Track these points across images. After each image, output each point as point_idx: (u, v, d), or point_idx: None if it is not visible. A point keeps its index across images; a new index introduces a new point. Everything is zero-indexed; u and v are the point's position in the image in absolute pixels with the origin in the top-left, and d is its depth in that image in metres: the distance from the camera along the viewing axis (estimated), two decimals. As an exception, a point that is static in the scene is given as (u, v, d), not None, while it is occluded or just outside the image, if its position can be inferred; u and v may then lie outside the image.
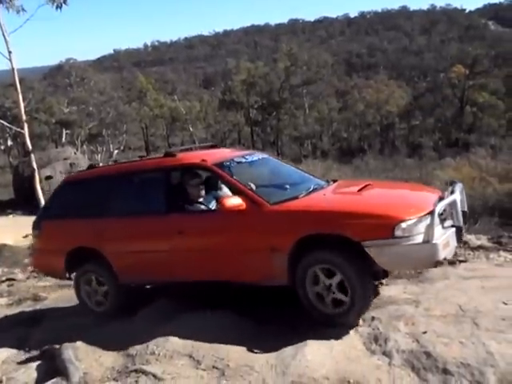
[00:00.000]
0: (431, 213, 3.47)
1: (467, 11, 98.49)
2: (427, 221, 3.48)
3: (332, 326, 3.63)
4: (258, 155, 5.01)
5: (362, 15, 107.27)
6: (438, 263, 3.56)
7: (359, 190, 4.16)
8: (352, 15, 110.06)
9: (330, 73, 43.64)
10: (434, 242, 3.46)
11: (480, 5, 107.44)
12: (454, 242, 3.72)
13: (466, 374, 2.78)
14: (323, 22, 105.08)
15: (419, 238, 3.48)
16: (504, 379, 2.73)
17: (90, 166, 5.24)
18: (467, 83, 33.84)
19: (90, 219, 4.72)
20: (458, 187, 3.98)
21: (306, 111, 40.12)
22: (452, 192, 3.86)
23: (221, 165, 4.39)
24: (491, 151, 24.85)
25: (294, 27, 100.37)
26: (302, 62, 37.98)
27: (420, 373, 2.90)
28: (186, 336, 3.61)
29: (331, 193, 4.40)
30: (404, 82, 43.66)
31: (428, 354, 2.98)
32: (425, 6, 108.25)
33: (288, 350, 3.27)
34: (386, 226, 3.49)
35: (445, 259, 3.57)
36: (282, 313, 3.96)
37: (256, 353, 3.32)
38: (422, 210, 3.60)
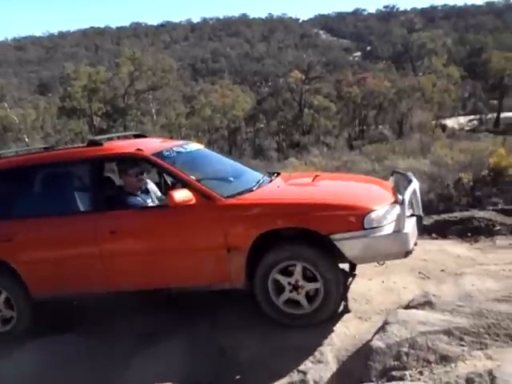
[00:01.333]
0: (402, 202, 3.37)
1: (301, 21, 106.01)
2: (396, 210, 3.38)
3: (300, 326, 3.49)
4: (193, 145, 4.53)
5: (205, 21, 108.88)
6: (408, 253, 3.43)
7: (313, 182, 3.98)
8: (195, 20, 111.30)
9: (176, 78, 43.27)
10: (404, 231, 3.35)
11: (312, 15, 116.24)
12: (415, 232, 3.62)
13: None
14: (166, 27, 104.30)
15: (389, 229, 3.37)
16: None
17: None
18: (304, 87, 36.11)
19: None
20: (413, 176, 3.90)
21: (154, 117, 39.26)
22: (410, 181, 3.74)
23: (160, 154, 3.89)
24: (326, 150, 27.11)
25: (137, 31, 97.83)
26: (146, 66, 37.00)
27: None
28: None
29: (286, 185, 4.14)
30: (248, 87, 45.16)
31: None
32: (263, 15, 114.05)
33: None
34: (354, 218, 3.34)
35: (412, 250, 3.46)
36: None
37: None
38: (387, 199, 3.53)
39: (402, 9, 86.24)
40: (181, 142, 4.56)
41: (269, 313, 3.57)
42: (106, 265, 3.74)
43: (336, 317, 3.66)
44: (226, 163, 4.62)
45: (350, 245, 3.36)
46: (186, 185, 3.62)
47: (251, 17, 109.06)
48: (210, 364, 3.49)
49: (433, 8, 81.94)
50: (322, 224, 3.37)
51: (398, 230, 3.36)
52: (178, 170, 3.76)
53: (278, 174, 4.39)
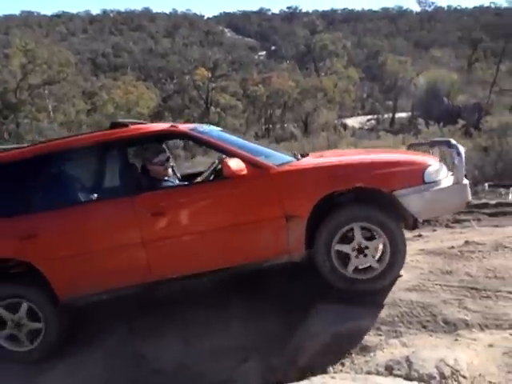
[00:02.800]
0: (459, 153, 3.44)
1: (206, 18, 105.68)
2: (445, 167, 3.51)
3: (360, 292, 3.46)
4: (213, 127, 4.37)
5: (105, 13, 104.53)
6: (468, 204, 3.60)
7: (353, 152, 4.15)
8: (94, 12, 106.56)
9: (75, 72, 41.01)
10: (463, 182, 3.45)
11: (217, 12, 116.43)
12: None
13: None
14: (62, 17, 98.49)
15: (448, 181, 3.46)
16: None
17: None
18: (210, 85, 35.97)
19: (9, 218, 3.54)
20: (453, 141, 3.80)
21: (51, 114, 36.90)
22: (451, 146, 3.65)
23: (196, 130, 3.78)
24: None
25: (28, 20, 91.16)
26: (41, 59, 34.58)
27: None
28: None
29: (328, 155, 4.08)
30: (152, 84, 44.10)
31: None
32: (167, 10, 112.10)
33: None
34: (415, 172, 3.38)
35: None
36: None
37: None
38: (433, 158, 3.67)
39: (304, 10, 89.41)
40: (195, 124, 4.34)
41: (336, 283, 3.51)
42: (149, 251, 3.44)
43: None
44: (251, 142, 4.45)
45: (413, 200, 3.36)
46: (233, 156, 3.44)
47: (154, 11, 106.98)
48: (129, 371, 3.33)
49: (333, 11, 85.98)
50: (384, 181, 3.37)
51: (458, 182, 3.45)
52: (219, 141, 3.65)
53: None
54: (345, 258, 3.50)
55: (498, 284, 3.60)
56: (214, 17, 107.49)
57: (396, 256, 3.46)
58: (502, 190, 8.60)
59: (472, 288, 3.60)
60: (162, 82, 46.75)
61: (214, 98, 36.05)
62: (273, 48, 73.34)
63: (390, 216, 3.45)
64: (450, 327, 3.29)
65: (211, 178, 3.85)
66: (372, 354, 3.11)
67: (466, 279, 3.72)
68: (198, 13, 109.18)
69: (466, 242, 4.40)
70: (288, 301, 3.84)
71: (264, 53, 72.61)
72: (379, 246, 3.50)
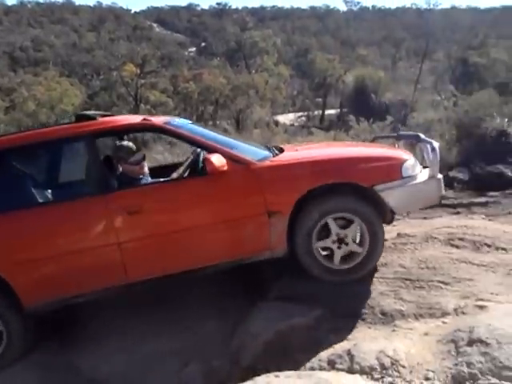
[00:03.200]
0: (433, 149, 3.57)
1: (133, 12, 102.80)
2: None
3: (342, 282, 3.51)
4: (182, 119, 4.23)
5: (22, 4, 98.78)
6: (441, 198, 3.71)
7: (329, 146, 4.22)
8: (9, 2, 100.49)
9: (-10, 67, 38.46)
10: (438, 176, 3.58)
11: (144, 7, 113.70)
12: None
13: None
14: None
15: (424, 176, 3.58)
16: None
17: None
18: (139, 82, 35.05)
19: None
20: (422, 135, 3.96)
21: (-35, 111, 34.38)
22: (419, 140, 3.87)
23: (170, 124, 3.66)
24: (170, 146, 26.82)
25: None
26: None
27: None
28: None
29: (305, 149, 4.16)
30: (77, 80, 42.33)
31: None
32: (91, 2, 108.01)
33: None
34: (393, 167, 3.47)
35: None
36: None
37: None
38: (406, 153, 3.73)
39: (234, 7, 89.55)
40: (166, 117, 4.18)
41: (320, 275, 3.55)
42: (125, 252, 3.31)
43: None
44: (225, 136, 4.31)
45: (392, 194, 3.43)
46: (213, 151, 3.37)
47: (77, 3, 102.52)
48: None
49: (262, 8, 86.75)
50: (365, 176, 3.41)
51: (434, 176, 3.58)
52: (197, 136, 3.55)
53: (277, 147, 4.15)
54: (328, 252, 3.57)
55: (430, 274, 3.75)
56: (142, 11, 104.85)
57: (376, 236, 3.54)
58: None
59: (406, 279, 3.73)
60: (87, 78, 44.99)
61: (143, 94, 35.13)
62: (203, 44, 72.79)
63: (362, 201, 3.49)
64: (388, 318, 3.38)
65: (186, 173, 3.76)
66: (314, 350, 3.13)
67: (400, 271, 3.85)
68: (125, 6, 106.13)
69: (399, 235, 4.55)
70: (228, 301, 3.79)
71: (194, 49, 71.87)
72: (357, 231, 3.57)
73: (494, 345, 2.71)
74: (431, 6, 38.68)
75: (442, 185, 3.67)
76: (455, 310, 3.38)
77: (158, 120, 3.76)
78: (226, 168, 3.29)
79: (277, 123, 31.85)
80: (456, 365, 2.72)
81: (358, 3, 61.75)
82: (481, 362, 2.64)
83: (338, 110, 36.22)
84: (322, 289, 3.63)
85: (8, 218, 3.35)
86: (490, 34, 40.46)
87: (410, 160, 3.60)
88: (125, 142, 3.88)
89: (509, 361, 2.58)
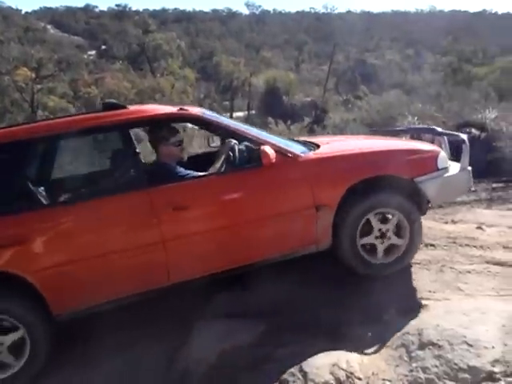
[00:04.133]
0: (464, 141, 3.67)
1: (24, 12, 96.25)
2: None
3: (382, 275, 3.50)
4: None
5: None
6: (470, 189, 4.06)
7: (362, 139, 4.28)
8: None
9: None
10: (468, 168, 3.70)
11: (36, 7, 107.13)
12: None
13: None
14: None
15: (455, 168, 3.70)
16: None
17: None
18: (35, 87, 32.88)
19: None
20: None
21: None
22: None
23: (205, 114, 3.52)
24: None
25: None
26: None
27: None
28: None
29: (344, 141, 4.26)
30: (-37, 85, 38.70)
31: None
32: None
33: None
34: (430, 160, 3.56)
35: None
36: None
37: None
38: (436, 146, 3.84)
39: (134, 9, 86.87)
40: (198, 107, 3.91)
41: (363, 271, 3.54)
42: (169, 251, 3.09)
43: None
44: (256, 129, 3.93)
45: (429, 186, 3.51)
46: (260, 143, 3.26)
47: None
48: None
49: (164, 11, 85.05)
50: (406, 169, 3.49)
51: (465, 168, 3.68)
52: (241, 128, 3.43)
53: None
54: (371, 248, 3.56)
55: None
56: (34, 11, 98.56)
57: (415, 228, 3.57)
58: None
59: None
60: (-25, 84, 41.32)
61: (40, 100, 32.98)
62: (103, 47, 69.93)
63: (402, 194, 3.51)
64: (334, 327, 3.27)
65: (224, 166, 3.41)
66: (263, 370, 2.93)
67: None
68: (14, 6, 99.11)
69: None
70: (165, 322, 3.47)
71: (94, 52, 68.77)
72: (395, 223, 3.56)
73: (447, 347, 2.68)
74: (328, 10, 40.43)
75: (471, 177, 3.80)
76: (397, 310, 3.35)
77: (195, 110, 3.55)
78: (274, 160, 3.20)
79: (184, 128, 31.47)
80: (411, 371, 2.66)
81: (260, 7, 62.91)
82: (436, 366, 2.60)
83: (246, 113, 36.53)
84: (266, 301, 3.45)
85: (38, 216, 3.02)
86: (383, 36, 43.06)
87: (442, 152, 3.71)
88: (169, 125, 3.59)
89: (463, 362, 2.56)
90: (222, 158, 3.48)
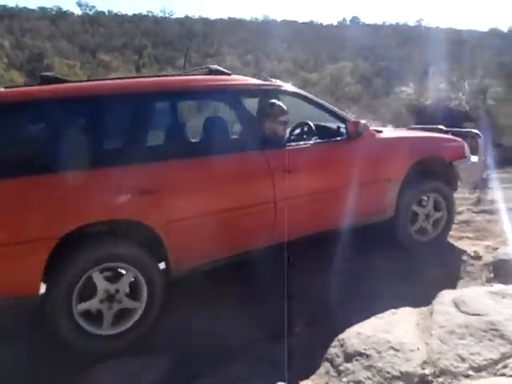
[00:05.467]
0: (480, 136, 4.64)
1: None
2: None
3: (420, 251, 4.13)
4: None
5: None
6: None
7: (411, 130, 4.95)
8: None
9: None
10: (483, 158, 4.64)
11: None
12: None
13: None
14: None
15: (475, 157, 4.56)
16: None
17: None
18: None
19: (116, 169, 2.93)
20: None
21: None
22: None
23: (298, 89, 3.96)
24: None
25: None
26: None
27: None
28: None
29: (397, 131, 4.98)
30: None
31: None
32: None
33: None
34: (461, 148, 4.47)
35: None
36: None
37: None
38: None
39: None
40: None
41: (400, 238, 4.24)
42: (278, 211, 3.36)
43: None
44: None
45: (461, 169, 4.37)
46: (343, 120, 3.84)
47: None
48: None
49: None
50: (449, 154, 4.35)
51: (483, 158, 4.69)
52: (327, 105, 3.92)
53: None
54: (413, 218, 4.30)
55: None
56: None
57: (452, 205, 4.46)
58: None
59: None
60: None
61: None
62: None
63: (451, 189, 4.46)
64: (243, 349, 2.99)
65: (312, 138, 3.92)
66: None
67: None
68: None
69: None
70: (56, 367, 2.84)
71: None
72: (437, 216, 4.42)
73: (375, 355, 2.57)
74: (166, 15, 39.94)
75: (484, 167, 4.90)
76: (307, 321, 3.21)
77: (287, 85, 3.93)
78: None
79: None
80: (345, 387, 2.49)
81: (94, 7, 59.49)
82: (369, 378, 2.47)
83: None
84: (167, 333, 3.04)
85: (171, 168, 3.14)
86: (222, 43, 44.00)
87: (465, 143, 4.54)
88: (278, 102, 3.80)
89: (395, 369, 2.47)
90: (315, 130, 3.99)
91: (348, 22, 53.35)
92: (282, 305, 3.13)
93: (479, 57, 21.29)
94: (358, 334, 2.75)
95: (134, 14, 56.04)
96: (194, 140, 3.65)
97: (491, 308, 2.71)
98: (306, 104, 3.89)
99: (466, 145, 4.55)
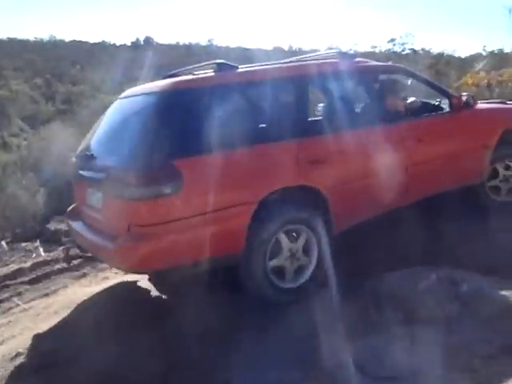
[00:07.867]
0: None
1: None
2: None
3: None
4: None
5: None
6: None
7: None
8: None
9: None
10: None
11: None
12: None
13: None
14: None
15: None
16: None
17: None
18: None
19: (293, 141, 3.43)
20: None
21: None
22: None
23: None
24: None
25: None
26: None
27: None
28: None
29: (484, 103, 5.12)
30: None
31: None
32: None
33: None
34: None
35: None
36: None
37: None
38: None
39: None
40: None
41: (488, 203, 4.62)
42: (410, 176, 3.90)
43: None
44: None
45: None
46: (447, 96, 4.42)
47: None
48: None
49: None
50: None
51: None
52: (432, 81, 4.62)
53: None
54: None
55: None
56: None
57: None
58: (28, 245, 6.26)
59: None
60: None
61: None
62: None
63: None
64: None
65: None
66: None
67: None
68: None
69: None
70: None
71: None
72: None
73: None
74: None
75: None
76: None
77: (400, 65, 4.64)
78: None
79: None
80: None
81: None
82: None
83: None
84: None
85: (337, 138, 3.59)
86: (5, 65, 39.59)
87: None
88: (399, 79, 4.33)
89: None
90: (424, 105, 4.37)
91: (142, 43, 52.56)
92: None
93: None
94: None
95: None
96: (349, 117, 3.90)
97: None
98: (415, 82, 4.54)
99: None
